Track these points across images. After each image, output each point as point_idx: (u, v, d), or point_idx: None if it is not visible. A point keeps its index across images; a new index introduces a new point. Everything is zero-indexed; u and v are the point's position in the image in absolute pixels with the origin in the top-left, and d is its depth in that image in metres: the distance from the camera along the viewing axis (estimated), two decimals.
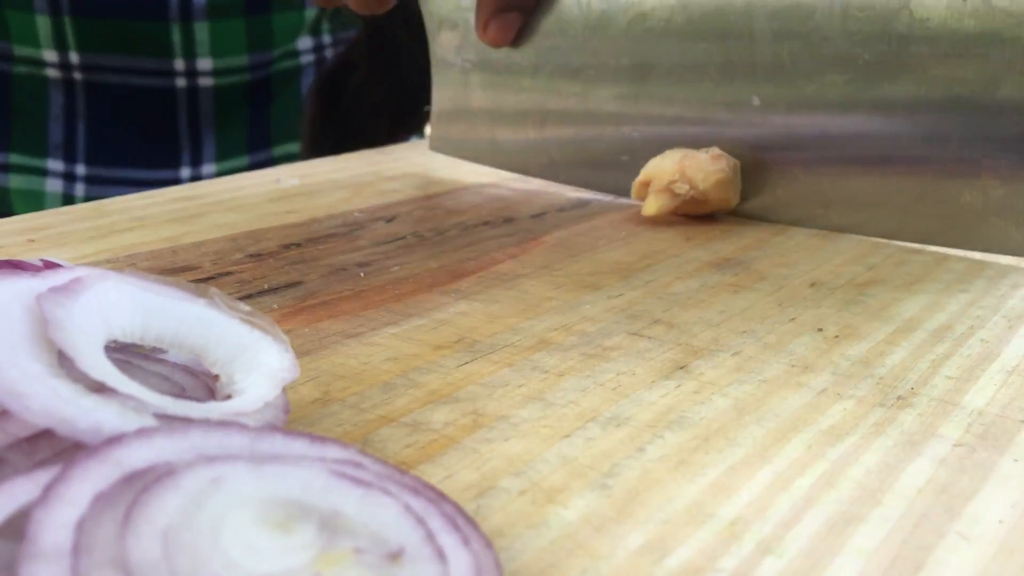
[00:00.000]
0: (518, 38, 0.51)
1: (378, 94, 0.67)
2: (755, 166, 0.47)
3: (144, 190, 0.70)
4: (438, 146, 0.58)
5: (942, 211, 0.42)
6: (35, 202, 0.69)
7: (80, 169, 0.69)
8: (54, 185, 0.69)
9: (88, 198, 0.69)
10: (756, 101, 0.45)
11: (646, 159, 0.48)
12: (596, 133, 0.51)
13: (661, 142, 0.48)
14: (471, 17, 0.52)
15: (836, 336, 0.34)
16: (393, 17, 0.65)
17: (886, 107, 0.42)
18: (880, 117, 0.42)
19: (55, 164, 0.69)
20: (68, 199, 0.69)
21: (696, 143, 0.47)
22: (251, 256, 0.41)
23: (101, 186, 0.70)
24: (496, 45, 0.49)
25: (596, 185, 0.52)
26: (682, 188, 0.46)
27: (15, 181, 0.69)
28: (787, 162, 0.46)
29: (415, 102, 0.68)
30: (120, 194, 0.69)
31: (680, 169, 0.46)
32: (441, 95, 0.57)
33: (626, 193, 0.50)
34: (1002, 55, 0.39)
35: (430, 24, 0.55)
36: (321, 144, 0.67)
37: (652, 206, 0.47)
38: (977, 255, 0.43)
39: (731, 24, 0.45)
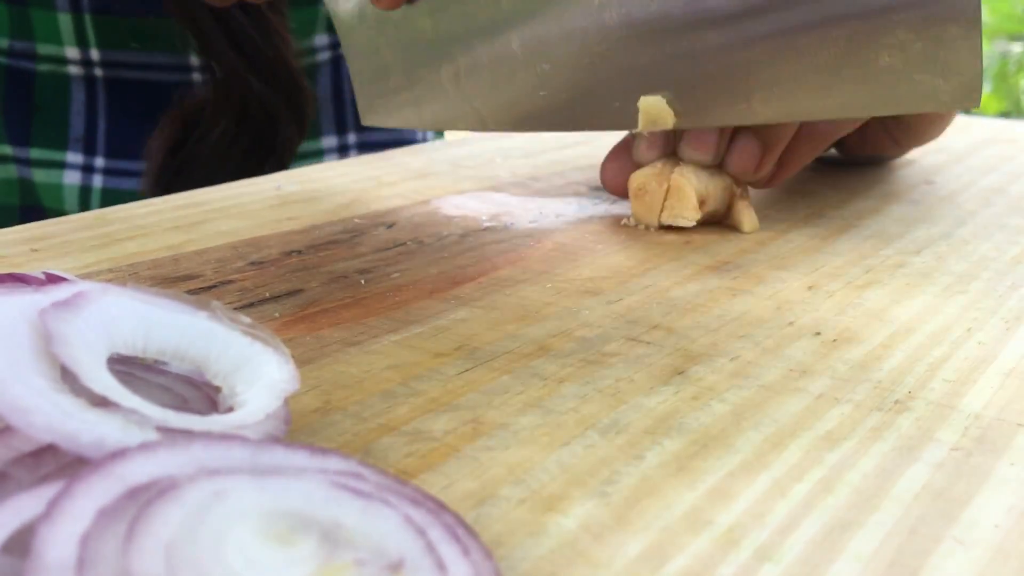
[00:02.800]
0: None
1: (224, 138, 0.67)
2: (667, 72, 0.45)
3: None
4: (369, 120, 0.57)
5: (864, 78, 0.40)
6: (56, 195, 0.70)
7: (99, 162, 0.70)
8: (72, 177, 0.70)
9: (105, 190, 0.70)
10: (653, 8, 0.43)
11: (563, 91, 0.47)
12: (509, 75, 0.49)
13: (573, 71, 0.47)
14: None
15: (834, 340, 0.34)
16: (245, 64, 0.66)
17: None
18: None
19: (74, 157, 0.70)
20: (86, 191, 0.70)
21: (602, 60, 0.46)
22: (252, 264, 0.42)
23: (119, 178, 0.70)
24: (390, 8, 0.49)
25: (522, 126, 0.51)
26: (711, 207, 0.47)
27: (38, 175, 0.71)
28: (697, 63, 0.44)
29: (265, 146, 0.68)
30: (137, 186, 0.70)
31: (706, 189, 0.47)
32: (355, 66, 0.55)
33: (548, 127, 0.49)
34: None
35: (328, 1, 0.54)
36: (162, 179, 0.67)
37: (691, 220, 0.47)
38: (975, 258, 0.43)
39: None
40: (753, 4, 0.41)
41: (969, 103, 0.38)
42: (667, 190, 0.47)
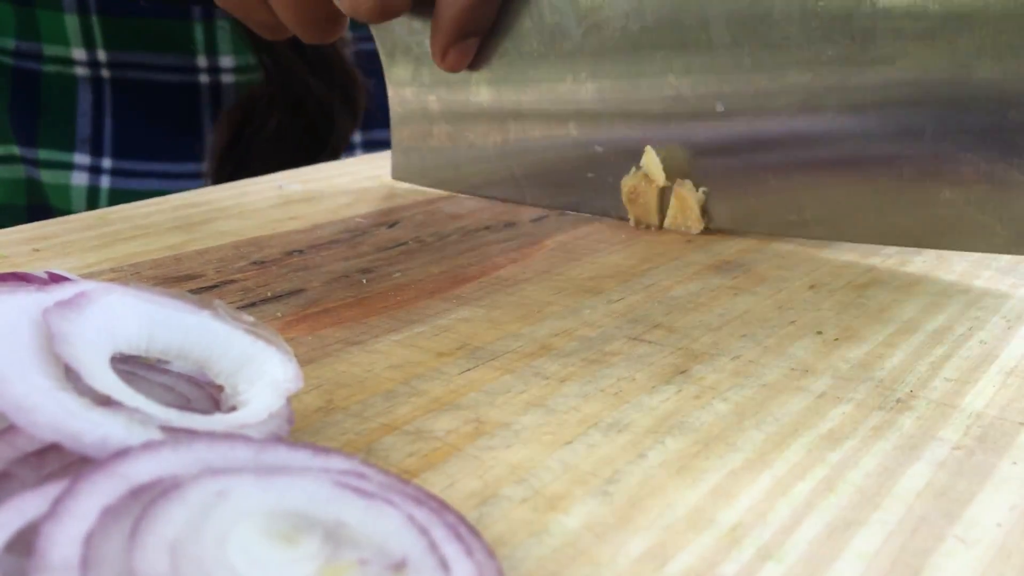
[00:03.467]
0: (475, 60, 0.50)
1: (280, 131, 0.68)
2: (724, 176, 0.45)
3: (168, 182, 0.72)
4: (400, 174, 0.57)
5: (923, 211, 0.40)
6: (64, 195, 0.71)
7: (106, 162, 0.71)
8: (80, 178, 0.70)
9: (113, 190, 0.70)
10: (720, 107, 0.44)
11: (612, 174, 0.48)
12: (559, 152, 0.50)
13: (627, 155, 0.48)
14: (425, 41, 0.51)
15: (836, 339, 0.34)
16: (301, 62, 0.66)
17: (854, 105, 0.40)
18: (848, 116, 0.41)
19: (81, 158, 0.70)
20: (94, 191, 0.70)
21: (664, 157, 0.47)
22: (254, 263, 0.42)
23: (126, 178, 0.71)
24: (454, 71, 0.49)
25: (562, 205, 0.51)
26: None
27: (45, 176, 0.71)
28: (756, 169, 0.44)
29: (319, 138, 0.69)
30: (144, 186, 0.70)
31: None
32: (399, 122, 0.56)
33: (590, 209, 0.49)
34: (971, 40, 0.37)
35: (383, 49, 0.55)
36: (224, 170, 0.68)
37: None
38: (975, 256, 0.43)
39: (687, 31, 0.43)
40: (820, 113, 0.41)
41: (1021, 251, 0.39)
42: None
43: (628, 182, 0.48)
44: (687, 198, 0.46)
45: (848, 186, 0.42)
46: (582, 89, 0.48)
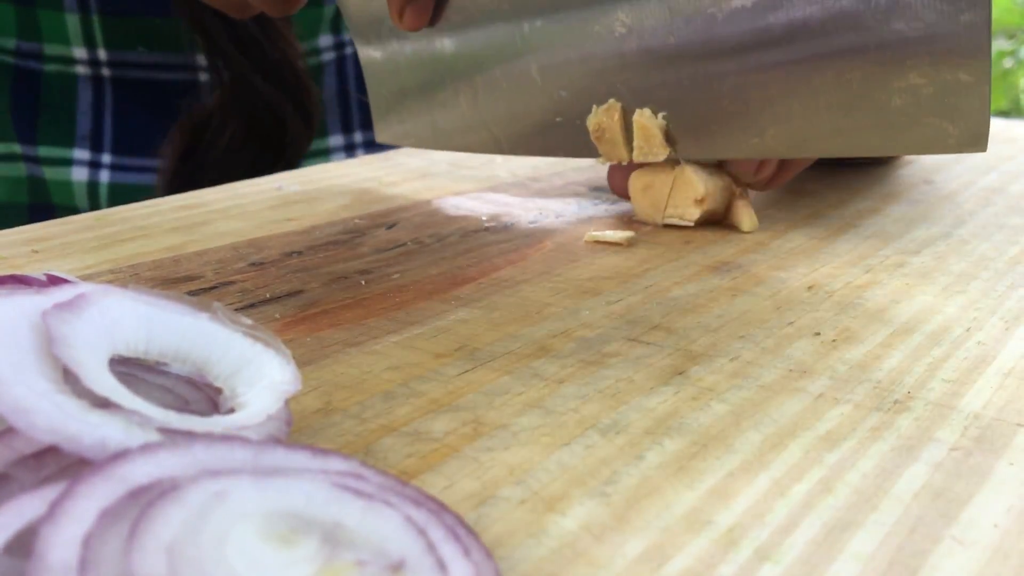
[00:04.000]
0: (434, 17, 0.50)
1: (234, 141, 0.68)
2: (684, 105, 0.46)
3: None
4: (383, 136, 0.58)
5: (876, 119, 0.41)
6: (66, 192, 0.71)
7: (106, 158, 0.71)
8: (80, 174, 0.70)
9: (112, 184, 0.70)
10: (672, 40, 0.44)
11: (579, 115, 0.48)
12: (526, 99, 0.50)
13: (590, 94, 0.48)
14: (386, 5, 0.51)
15: (833, 340, 0.34)
16: (252, 70, 0.66)
17: (800, 27, 0.41)
18: (796, 37, 0.41)
19: (81, 153, 0.71)
20: (93, 187, 0.70)
21: (620, 89, 0.47)
22: (253, 265, 0.42)
23: (126, 172, 0.71)
24: (413, 29, 0.49)
25: (537, 151, 0.51)
26: (710, 206, 0.47)
27: (48, 173, 0.71)
28: (713, 95, 0.44)
29: (274, 148, 0.69)
30: (144, 181, 0.70)
31: (707, 188, 0.47)
32: (374, 84, 0.56)
33: (564, 152, 0.49)
34: None
35: (349, 17, 0.55)
36: (177, 180, 0.68)
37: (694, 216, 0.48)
38: (974, 258, 0.43)
39: None
40: (768, 37, 0.42)
41: (976, 148, 0.39)
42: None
43: (592, 120, 0.48)
44: (647, 126, 0.46)
45: (802, 102, 0.42)
46: (538, 34, 0.48)
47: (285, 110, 0.67)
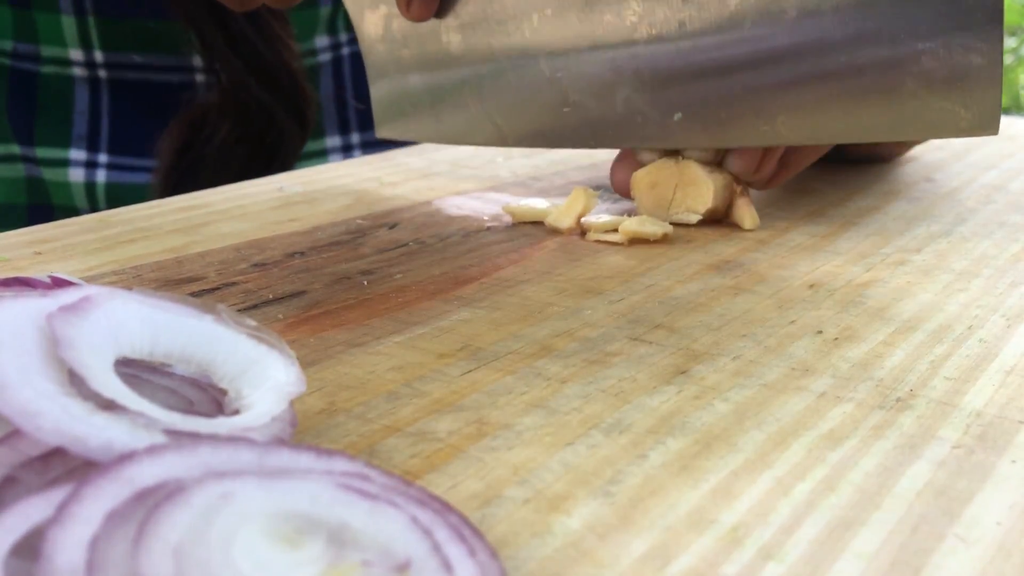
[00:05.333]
0: (441, 8, 0.50)
1: (228, 141, 0.68)
2: (694, 98, 0.46)
3: None
4: (384, 132, 0.57)
5: (888, 103, 0.41)
6: (65, 192, 0.71)
7: (102, 157, 0.71)
8: (76, 174, 0.71)
9: (109, 184, 0.70)
10: (679, 27, 0.44)
11: (586, 107, 0.48)
12: (533, 91, 0.50)
13: (599, 87, 0.48)
14: None
15: (835, 338, 0.34)
16: (247, 72, 0.66)
17: (811, 12, 0.41)
18: (808, 23, 0.41)
19: (78, 154, 0.71)
20: (91, 187, 0.71)
21: (630, 77, 0.47)
22: (256, 266, 0.42)
23: (122, 172, 0.71)
24: (419, 20, 0.49)
25: (543, 143, 0.51)
26: (711, 205, 0.48)
27: (47, 173, 0.71)
28: (724, 83, 0.44)
29: (269, 147, 0.69)
30: (141, 180, 0.70)
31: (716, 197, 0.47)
32: (376, 80, 0.56)
33: (570, 144, 0.49)
34: None
35: (353, 9, 0.55)
36: (171, 180, 0.68)
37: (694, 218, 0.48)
38: (976, 256, 0.43)
39: None
40: (780, 25, 0.42)
41: (988, 131, 0.39)
42: (676, 184, 0.48)
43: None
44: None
45: (814, 90, 0.42)
46: (549, 26, 0.47)
47: (278, 112, 0.68)
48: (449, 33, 0.51)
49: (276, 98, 0.67)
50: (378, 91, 0.56)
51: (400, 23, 0.52)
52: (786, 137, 0.44)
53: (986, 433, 0.27)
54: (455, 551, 0.20)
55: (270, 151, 0.69)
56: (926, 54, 0.39)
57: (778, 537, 0.22)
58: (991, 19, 0.37)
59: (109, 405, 0.21)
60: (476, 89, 0.51)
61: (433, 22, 0.50)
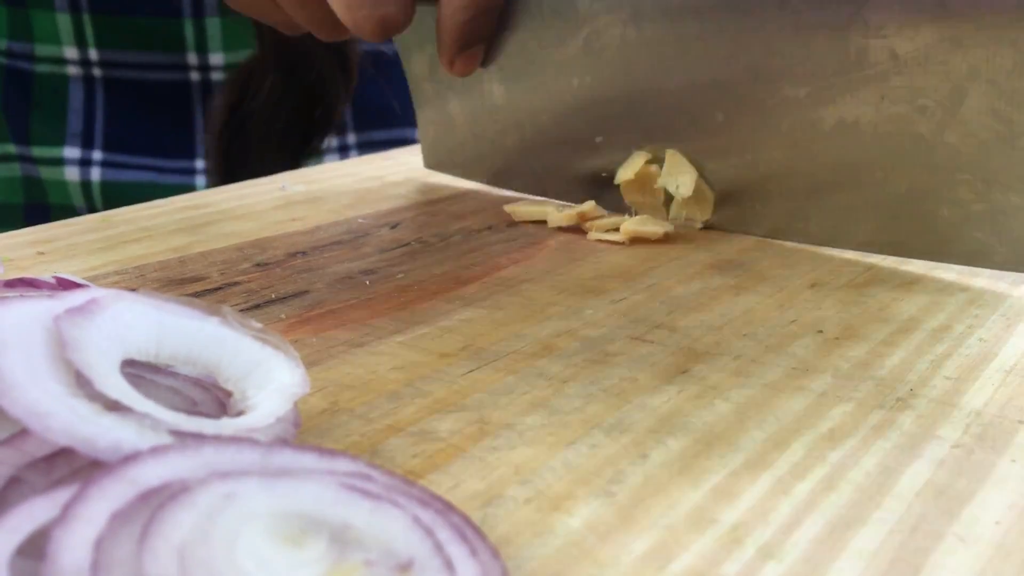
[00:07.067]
0: (486, 58, 0.50)
1: (275, 95, 0.68)
2: (728, 181, 0.46)
3: (159, 176, 0.72)
4: (431, 164, 0.59)
5: (921, 226, 0.41)
6: (62, 191, 0.71)
7: (97, 155, 0.71)
8: (72, 173, 0.71)
9: (104, 182, 0.71)
10: (720, 117, 0.44)
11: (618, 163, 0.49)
12: (574, 148, 0.50)
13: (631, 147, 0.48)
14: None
15: (836, 338, 0.34)
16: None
17: (850, 123, 0.41)
18: (847, 133, 0.41)
19: (72, 152, 0.71)
20: (87, 185, 0.71)
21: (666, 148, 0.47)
22: (258, 265, 0.42)
23: (117, 170, 0.71)
24: (464, 76, 0.50)
25: (582, 199, 0.51)
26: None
27: (44, 172, 0.72)
28: (759, 178, 0.45)
29: (314, 101, 0.70)
30: (137, 178, 0.71)
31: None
32: (423, 115, 0.57)
33: (608, 205, 0.50)
34: (964, 62, 0.37)
35: (399, 44, 0.55)
36: (223, 140, 0.68)
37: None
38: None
39: (685, 39, 0.44)
40: (819, 131, 0.42)
41: (1022, 269, 0.39)
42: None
43: (627, 170, 0.48)
44: (702, 187, 0.46)
45: (848, 197, 0.42)
46: (588, 90, 0.48)
47: (324, 62, 0.68)
48: (492, 84, 0.51)
49: (320, 48, 0.67)
50: (425, 126, 0.57)
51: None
52: (818, 238, 0.44)
53: (986, 433, 0.27)
54: (457, 551, 0.20)
55: (314, 104, 0.69)
56: (964, 184, 0.39)
57: (778, 536, 0.22)
58: None
59: (115, 406, 0.21)
60: (518, 140, 0.52)
61: (478, 72, 0.51)
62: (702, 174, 0.46)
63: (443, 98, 0.55)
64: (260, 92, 0.68)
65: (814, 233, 0.44)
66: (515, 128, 0.52)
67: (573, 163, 0.51)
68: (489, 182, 0.55)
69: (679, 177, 0.47)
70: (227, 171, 0.68)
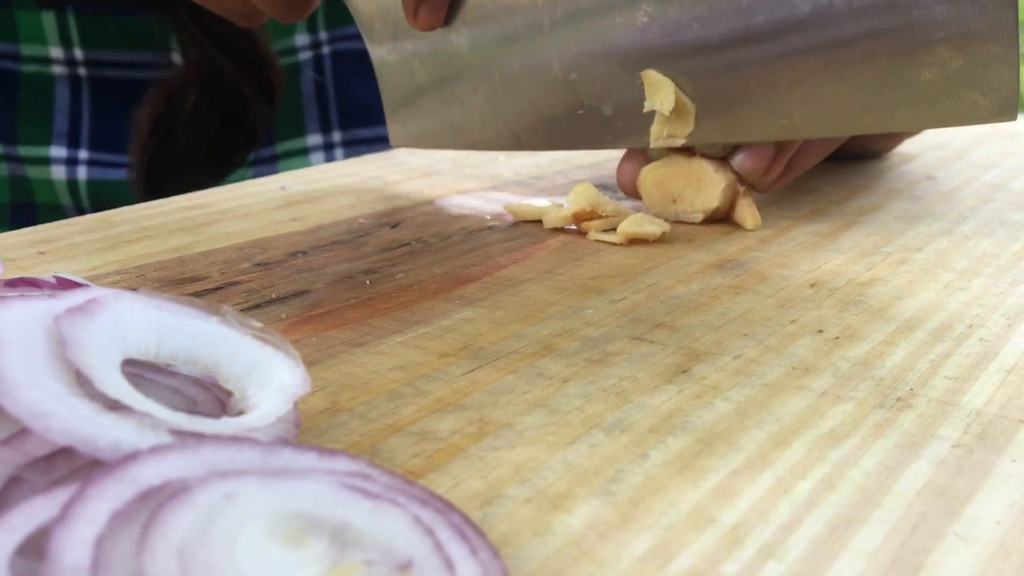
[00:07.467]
0: (448, 15, 0.50)
1: (197, 109, 0.69)
2: (708, 90, 0.46)
3: None
4: (398, 140, 0.57)
5: (905, 94, 0.41)
6: (49, 190, 0.71)
7: (83, 154, 0.71)
8: (58, 172, 0.71)
9: (90, 181, 0.71)
10: (696, 27, 0.44)
11: (601, 108, 0.48)
12: (547, 94, 0.50)
13: (612, 88, 0.48)
14: (399, 6, 0.51)
15: (836, 337, 0.34)
16: (210, 43, 0.67)
17: (823, 6, 0.41)
18: (822, 15, 0.41)
19: (58, 151, 0.71)
20: (72, 184, 0.71)
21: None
22: (258, 265, 0.42)
23: (103, 168, 0.71)
24: (428, 29, 0.49)
25: (559, 145, 0.51)
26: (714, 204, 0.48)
27: (31, 172, 0.72)
28: (740, 79, 0.44)
29: (236, 117, 0.70)
30: (123, 176, 0.71)
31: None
32: (388, 89, 0.56)
33: (585, 145, 0.49)
34: None
35: (361, 21, 0.55)
36: (148, 149, 0.69)
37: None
38: (977, 255, 0.43)
39: None
40: (794, 20, 0.42)
41: (1006, 117, 0.39)
42: (683, 182, 0.48)
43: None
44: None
45: (831, 81, 0.42)
46: (559, 27, 0.47)
47: (241, 81, 0.68)
48: (460, 40, 0.51)
49: (238, 68, 0.68)
50: (391, 104, 0.56)
51: (411, 35, 0.52)
52: (803, 131, 0.44)
53: (986, 432, 0.27)
54: (457, 550, 0.20)
55: (238, 120, 0.70)
56: (942, 43, 0.39)
57: (778, 536, 0.22)
58: (1007, 6, 0.37)
59: (115, 405, 0.21)
60: (489, 94, 0.51)
61: (443, 31, 0.50)
62: (681, 89, 0.46)
63: (408, 69, 0.54)
64: (184, 107, 0.68)
65: (799, 127, 0.44)
66: (485, 83, 0.51)
67: (549, 106, 0.50)
68: (460, 146, 0.55)
69: (658, 94, 0.46)
70: (150, 183, 0.68)
